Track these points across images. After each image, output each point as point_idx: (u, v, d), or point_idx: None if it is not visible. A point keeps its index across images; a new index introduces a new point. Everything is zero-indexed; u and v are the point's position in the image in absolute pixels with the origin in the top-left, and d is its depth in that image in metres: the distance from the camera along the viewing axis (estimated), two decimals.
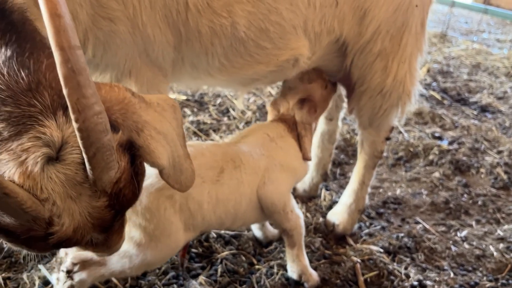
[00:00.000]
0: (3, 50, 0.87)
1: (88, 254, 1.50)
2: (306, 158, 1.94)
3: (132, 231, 1.51)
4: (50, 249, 0.94)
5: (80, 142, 0.80)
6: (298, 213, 1.89)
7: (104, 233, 0.96)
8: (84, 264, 1.52)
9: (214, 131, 3.27)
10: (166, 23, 1.44)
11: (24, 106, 0.83)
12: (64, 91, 0.76)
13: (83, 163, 0.84)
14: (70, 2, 1.24)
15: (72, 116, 0.78)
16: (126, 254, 1.51)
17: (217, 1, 1.49)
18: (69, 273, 1.51)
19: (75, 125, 0.79)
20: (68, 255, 1.57)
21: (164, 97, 1.10)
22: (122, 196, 0.92)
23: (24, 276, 1.84)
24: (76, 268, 1.52)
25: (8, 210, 0.79)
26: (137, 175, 0.96)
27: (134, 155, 0.96)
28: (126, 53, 1.42)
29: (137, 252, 1.52)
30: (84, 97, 0.76)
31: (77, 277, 1.51)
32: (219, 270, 2.00)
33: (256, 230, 2.25)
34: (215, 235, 2.23)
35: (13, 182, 0.79)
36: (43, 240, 0.86)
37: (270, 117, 2.10)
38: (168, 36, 1.47)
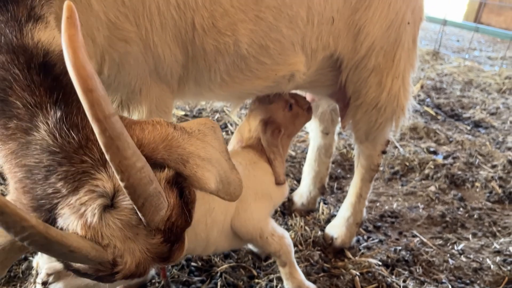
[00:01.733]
0: (52, 112, 0.94)
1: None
2: (278, 182, 1.91)
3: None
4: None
5: (128, 196, 0.88)
6: (280, 234, 1.85)
7: (165, 261, 1.04)
8: (59, 275, 1.50)
9: None
10: (176, 43, 1.50)
11: (77, 163, 0.92)
12: (107, 157, 0.83)
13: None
14: (88, 26, 1.29)
15: (117, 177, 0.85)
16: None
17: (222, 21, 1.54)
18: (45, 284, 1.48)
19: (121, 183, 0.86)
20: (43, 266, 1.53)
21: (203, 121, 1.16)
22: (176, 228, 1.00)
23: None
24: (51, 279, 1.49)
25: (75, 260, 0.90)
26: (188, 204, 1.04)
27: (182, 186, 1.03)
28: (138, 72, 1.47)
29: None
30: (125, 158, 0.83)
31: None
32: (219, 283, 2.01)
33: (251, 245, 2.24)
34: None
35: (77, 234, 0.89)
36: (111, 277, 0.96)
37: (233, 141, 2.05)
38: (177, 55, 1.52)
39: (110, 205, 0.92)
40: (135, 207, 0.90)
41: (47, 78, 0.96)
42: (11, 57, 0.96)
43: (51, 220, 0.91)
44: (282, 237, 1.86)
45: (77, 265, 0.93)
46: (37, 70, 0.96)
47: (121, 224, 0.92)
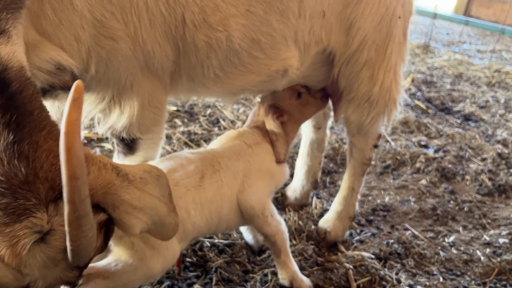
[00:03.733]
0: (5, 134, 0.92)
1: (93, 267, 1.50)
2: (278, 160, 2.01)
3: (135, 246, 1.53)
4: None
5: (69, 253, 0.95)
6: (278, 219, 1.92)
7: (70, 286, 1.12)
8: (88, 277, 1.52)
9: (205, 141, 3.29)
10: (166, 39, 1.48)
11: (20, 199, 0.93)
12: (67, 229, 0.90)
13: (64, 249, 0.97)
14: (71, 26, 1.27)
15: (68, 242, 0.92)
16: (130, 268, 1.53)
17: (213, 16, 1.53)
18: (74, 287, 1.51)
19: (69, 247, 0.93)
20: None
21: (148, 169, 1.21)
22: (90, 261, 1.08)
23: None
24: (80, 282, 1.52)
25: None
26: (107, 241, 1.12)
27: (109, 228, 1.11)
28: (127, 68, 1.46)
29: (141, 265, 1.54)
30: (82, 232, 0.92)
31: None
32: (214, 278, 2.02)
33: (246, 235, 2.28)
34: (208, 244, 2.24)
35: (2, 262, 0.92)
36: None
37: (247, 123, 2.20)
38: (168, 51, 1.51)
39: (41, 239, 0.96)
40: (70, 257, 0.97)
41: (2, 96, 0.93)
42: None
43: None
44: (280, 223, 1.92)
45: None
46: None
47: (46, 258, 0.97)
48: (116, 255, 1.52)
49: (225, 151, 1.91)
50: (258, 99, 4.02)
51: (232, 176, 1.82)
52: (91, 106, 1.55)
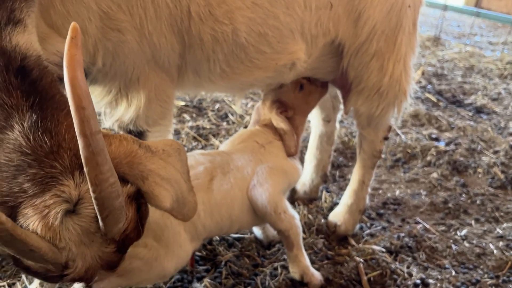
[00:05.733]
0: (28, 115, 0.97)
1: None
2: (289, 153, 2.00)
3: (149, 245, 1.54)
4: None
5: (96, 207, 0.95)
6: (292, 214, 1.90)
7: (111, 270, 1.11)
8: (102, 275, 1.52)
9: (214, 136, 3.29)
10: (172, 31, 1.48)
11: (47, 168, 0.96)
12: (85, 169, 0.90)
13: (96, 217, 0.98)
14: (79, 18, 1.29)
15: (90, 188, 0.92)
16: (145, 267, 1.54)
17: (219, 8, 1.52)
18: (88, 282, 1.51)
19: (92, 194, 0.93)
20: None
21: (169, 143, 1.21)
22: (128, 240, 1.08)
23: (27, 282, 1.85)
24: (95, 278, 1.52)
25: (32, 259, 0.95)
26: (142, 219, 1.11)
27: (140, 202, 1.10)
28: (134, 61, 1.46)
29: (155, 264, 1.56)
30: (101, 173, 0.91)
31: (96, 286, 1.51)
32: (224, 272, 2.01)
33: (256, 230, 2.27)
34: (218, 238, 2.24)
35: (36, 234, 0.93)
36: (59, 278, 1.02)
37: (252, 122, 2.18)
38: (174, 44, 1.51)
39: (72, 210, 0.97)
40: (99, 218, 0.96)
41: (24, 82, 0.99)
42: None
43: (12, 217, 0.95)
44: (293, 217, 1.90)
45: (28, 263, 0.97)
46: (15, 73, 0.99)
47: (80, 229, 0.98)
48: (130, 254, 1.53)
49: (236, 152, 1.90)
50: None
51: (243, 177, 1.81)
52: (97, 98, 1.55)
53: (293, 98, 2.10)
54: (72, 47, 0.83)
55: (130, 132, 1.62)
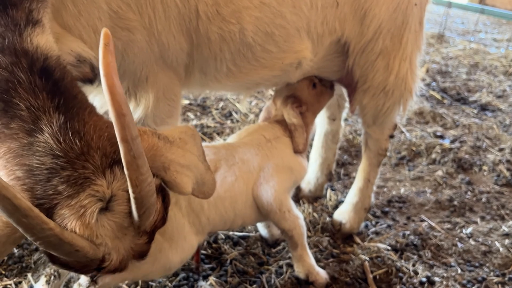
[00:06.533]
0: (56, 116, 0.99)
1: None
2: (296, 150, 1.98)
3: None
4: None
5: (134, 205, 1.00)
6: (296, 214, 1.89)
7: (141, 258, 1.15)
8: None
9: (218, 134, 3.29)
10: (180, 31, 1.49)
11: (80, 169, 0.99)
12: (126, 172, 0.95)
13: (129, 213, 1.03)
14: (90, 18, 1.30)
15: (130, 189, 0.97)
16: (149, 259, 1.54)
17: (226, 8, 1.53)
18: (93, 277, 1.52)
19: (132, 195, 0.98)
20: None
21: (184, 129, 1.26)
22: (156, 229, 1.13)
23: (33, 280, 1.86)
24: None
25: (75, 258, 0.98)
26: (166, 208, 1.15)
27: (165, 193, 1.14)
28: (143, 60, 1.47)
29: (159, 256, 1.56)
30: (141, 174, 0.96)
31: (101, 281, 1.52)
32: (229, 270, 2.02)
33: (261, 228, 2.27)
34: (223, 237, 2.25)
35: (75, 233, 0.97)
36: (96, 271, 1.06)
37: (260, 119, 2.18)
38: (182, 43, 1.51)
39: (105, 208, 1.01)
40: (136, 214, 1.01)
41: (48, 83, 1.01)
42: (14, 60, 0.99)
43: (48, 218, 0.97)
44: (297, 217, 1.89)
45: (66, 259, 1.00)
46: (39, 74, 1.00)
47: (114, 225, 1.02)
48: None
49: (242, 145, 1.88)
50: (270, 92, 4.01)
51: (248, 171, 1.80)
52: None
53: (307, 94, 2.10)
54: (107, 54, 0.85)
55: None
